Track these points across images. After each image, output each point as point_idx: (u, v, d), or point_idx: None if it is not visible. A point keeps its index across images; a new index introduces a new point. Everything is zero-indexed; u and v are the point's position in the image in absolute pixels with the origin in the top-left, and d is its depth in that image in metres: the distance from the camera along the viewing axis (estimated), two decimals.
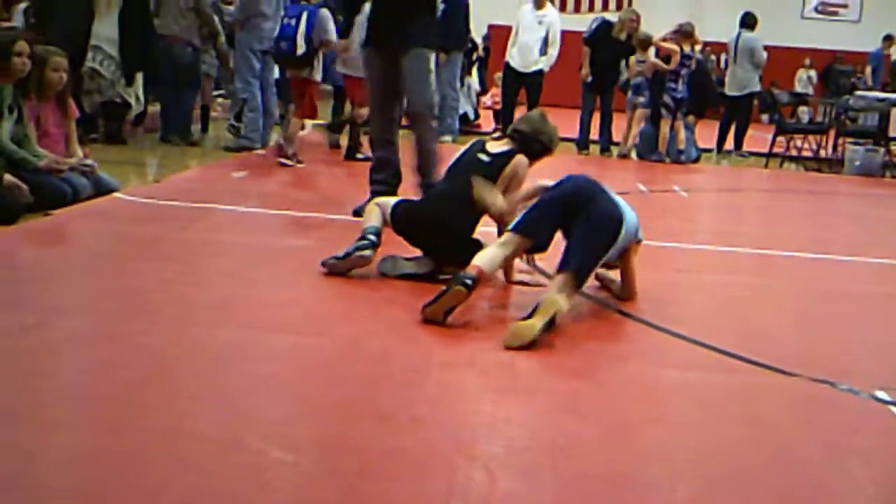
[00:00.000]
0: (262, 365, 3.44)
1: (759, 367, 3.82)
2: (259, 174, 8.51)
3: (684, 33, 11.81)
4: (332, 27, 8.48)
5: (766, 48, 13.47)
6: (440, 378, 3.49)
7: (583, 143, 12.15)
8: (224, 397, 3.13)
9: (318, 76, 8.84)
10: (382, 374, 3.46)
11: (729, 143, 13.65)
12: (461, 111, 13.39)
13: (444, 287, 4.07)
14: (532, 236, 4.38)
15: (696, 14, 16.55)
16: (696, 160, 12.08)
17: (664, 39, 11.79)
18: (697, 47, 12.34)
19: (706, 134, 13.20)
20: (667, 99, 11.52)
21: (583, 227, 4.27)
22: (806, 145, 13.14)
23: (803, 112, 16.32)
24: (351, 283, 4.72)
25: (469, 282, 4.01)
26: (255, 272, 4.81)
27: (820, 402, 3.55)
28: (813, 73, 20.72)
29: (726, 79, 13.89)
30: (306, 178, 8.48)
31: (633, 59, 11.64)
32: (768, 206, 9.75)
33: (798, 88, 19.70)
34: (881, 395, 3.55)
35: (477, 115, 14.28)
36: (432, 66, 6.01)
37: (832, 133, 13.31)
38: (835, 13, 21.93)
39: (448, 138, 11.86)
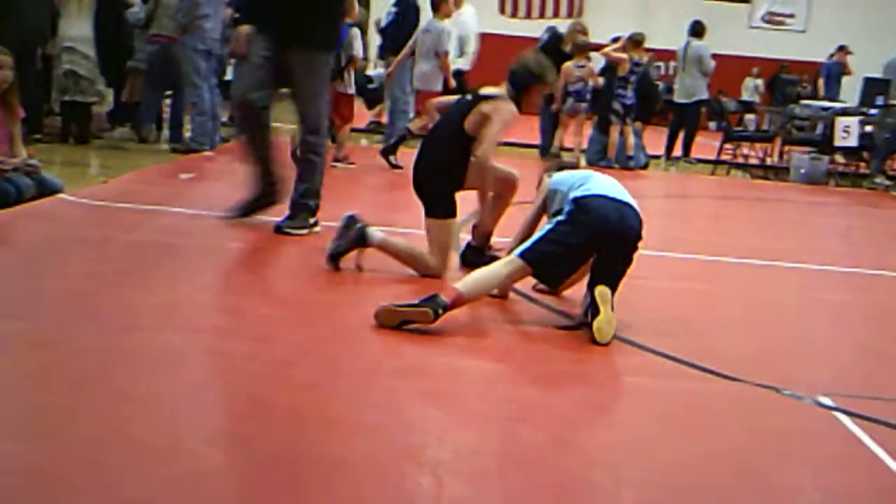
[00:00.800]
0: (208, 371, 3.39)
1: (707, 373, 3.84)
2: (207, 177, 8.42)
3: (635, 42, 11.91)
4: (358, 45, 9.42)
5: (713, 56, 13.60)
6: (389, 384, 3.46)
7: (545, 150, 12.12)
8: (167, 403, 3.08)
9: (349, 89, 9.57)
10: (330, 380, 3.43)
11: (677, 150, 13.77)
12: (412, 114, 13.33)
13: (414, 301, 4.01)
14: (545, 277, 4.43)
15: (645, 22, 16.68)
16: (645, 167, 12.17)
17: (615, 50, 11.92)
18: (644, 55, 12.42)
19: (654, 140, 13.31)
20: (616, 106, 11.59)
21: (612, 257, 4.30)
22: (752, 153, 13.29)
23: (750, 120, 16.50)
24: (299, 287, 4.68)
25: (441, 311, 3.94)
26: (201, 275, 4.75)
27: (766, 409, 3.58)
28: (760, 81, 20.96)
29: (675, 86, 14.01)
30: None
31: (570, 64, 11.53)
32: (716, 213, 9.84)
33: (745, 97, 19.91)
34: (824, 400, 3.59)
35: None
36: (326, 72, 5.73)
37: (778, 141, 13.48)
38: (781, 23, 22.21)
39: None
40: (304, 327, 4.04)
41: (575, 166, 5.21)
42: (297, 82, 5.59)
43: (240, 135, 6.05)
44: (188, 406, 3.05)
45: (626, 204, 4.38)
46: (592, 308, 4.10)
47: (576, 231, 4.24)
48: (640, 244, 4.36)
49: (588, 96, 11.59)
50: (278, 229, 5.70)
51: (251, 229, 5.90)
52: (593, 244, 4.25)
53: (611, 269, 4.28)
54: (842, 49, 16.28)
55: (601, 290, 4.08)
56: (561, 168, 4.91)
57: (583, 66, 11.61)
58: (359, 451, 2.82)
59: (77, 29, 9.27)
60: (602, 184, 4.44)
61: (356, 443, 2.88)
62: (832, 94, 15.23)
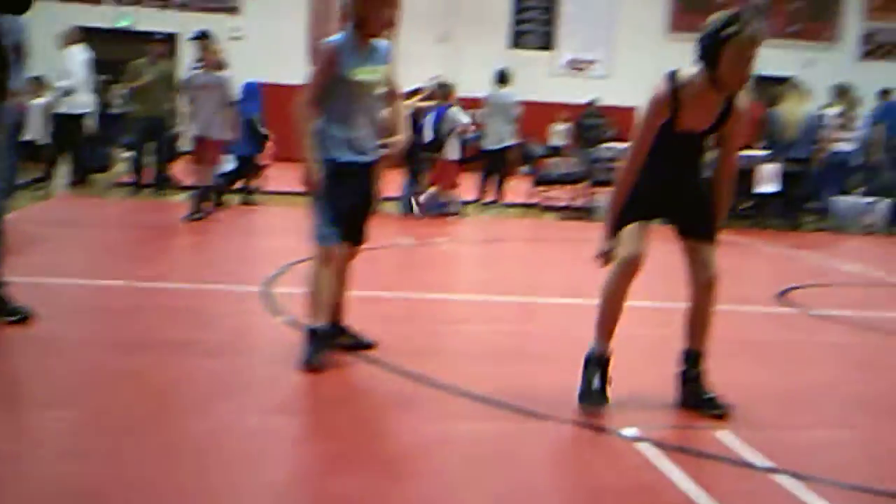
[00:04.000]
0: None
1: (517, 412, 3.91)
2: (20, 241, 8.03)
3: (444, 90, 12.15)
4: (462, 116, 12.21)
5: (520, 103, 13.99)
6: (198, 447, 3.37)
7: None
8: None
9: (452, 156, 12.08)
10: (133, 448, 3.31)
11: (491, 195, 14.04)
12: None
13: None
14: None
15: (454, 70, 17.04)
16: (458, 213, 12.36)
17: (424, 98, 12.15)
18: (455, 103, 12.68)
19: (468, 187, 13.53)
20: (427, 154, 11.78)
21: None
22: (563, 195, 13.69)
23: (552, 163, 17.01)
24: (98, 352, 4.51)
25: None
26: None
27: (575, 444, 3.68)
28: (567, 126, 21.67)
29: (485, 133, 14.32)
30: (71, 246, 8.11)
31: None
32: (528, 255, 10.07)
33: (555, 141, 20.53)
34: (627, 432, 3.70)
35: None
36: (7, 121, 4.98)
37: (587, 182, 13.94)
38: (584, 69, 23.09)
39: None
40: (104, 393, 3.90)
41: None
42: None
43: None
44: None
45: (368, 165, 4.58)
46: None
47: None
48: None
49: None
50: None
51: (55, 294, 5.66)
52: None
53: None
54: None
55: None
56: None
57: None
58: None
59: None
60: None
61: None
62: None
